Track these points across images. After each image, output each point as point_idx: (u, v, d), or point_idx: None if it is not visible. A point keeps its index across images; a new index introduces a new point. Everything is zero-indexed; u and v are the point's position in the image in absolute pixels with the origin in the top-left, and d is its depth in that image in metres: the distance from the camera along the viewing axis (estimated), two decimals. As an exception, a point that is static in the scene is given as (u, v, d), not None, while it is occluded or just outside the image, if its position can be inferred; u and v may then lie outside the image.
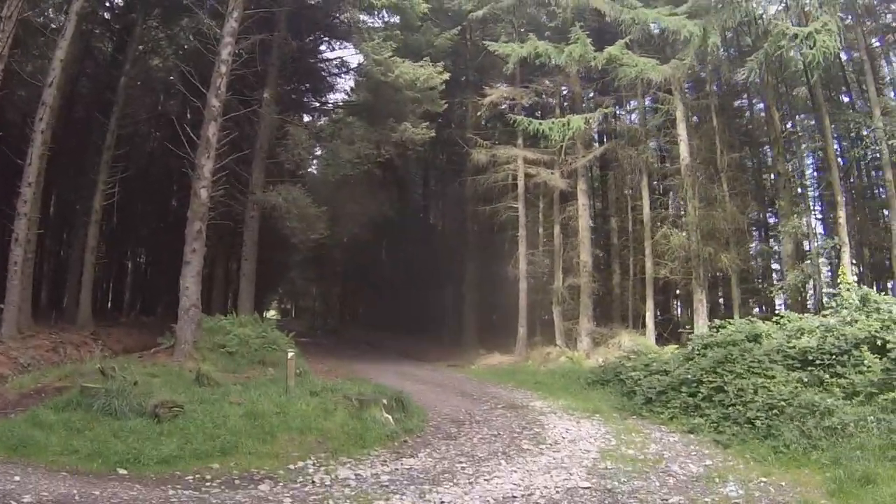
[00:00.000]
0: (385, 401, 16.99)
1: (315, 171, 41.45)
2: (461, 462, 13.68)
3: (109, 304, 51.23)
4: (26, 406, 16.63)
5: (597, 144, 42.58)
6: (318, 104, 45.75)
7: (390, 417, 16.35)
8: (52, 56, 29.40)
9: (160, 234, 49.93)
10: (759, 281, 44.16)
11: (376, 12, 37.20)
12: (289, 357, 17.72)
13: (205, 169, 25.88)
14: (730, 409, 16.79)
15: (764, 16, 32.20)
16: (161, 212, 50.88)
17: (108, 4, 42.27)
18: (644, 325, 35.88)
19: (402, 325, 58.15)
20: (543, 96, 41.11)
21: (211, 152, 26.17)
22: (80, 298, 36.37)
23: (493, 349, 39.89)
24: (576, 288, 37.08)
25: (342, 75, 43.97)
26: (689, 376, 18.94)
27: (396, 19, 37.82)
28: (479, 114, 41.54)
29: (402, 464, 13.43)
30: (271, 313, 46.58)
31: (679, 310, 45.03)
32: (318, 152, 38.99)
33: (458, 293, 47.34)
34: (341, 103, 42.98)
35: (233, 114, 29.30)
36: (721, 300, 42.10)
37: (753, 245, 42.98)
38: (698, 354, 20.25)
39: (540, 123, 34.35)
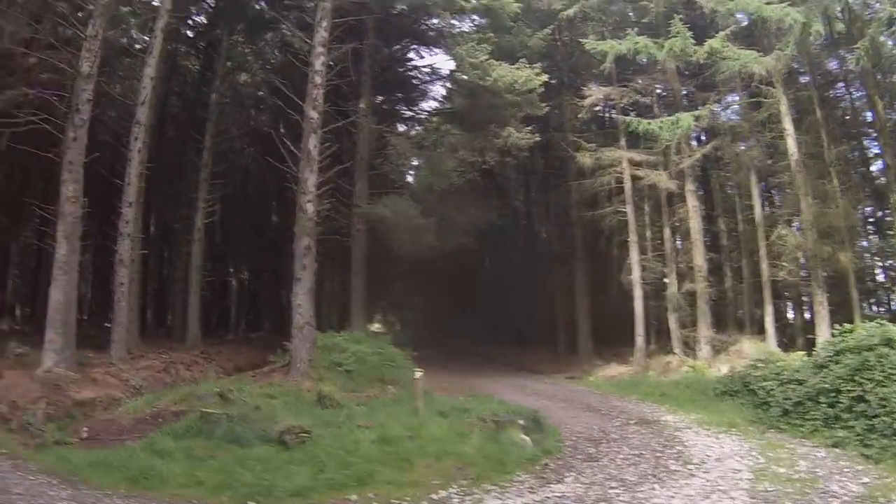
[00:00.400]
0: (522, 421, 16.15)
1: (411, 182, 40.81)
2: (613, 487, 12.80)
3: (215, 322, 51.24)
4: (143, 432, 16.29)
5: (694, 143, 41.28)
6: (410, 113, 45.18)
7: (528, 439, 15.53)
8: (142, 74, 29.61)
9: (261, 250, 50.02)
10: (870, 280, 42.46)
11: (466, 15, 36.52)
12: (416, 377, 17.00)
13: (309, 183, 25.60)
14: (874, 420, 15.85)
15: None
16: (261, 227, 50.92)
17: (190, 23, 42.98)
18: (763, 331, 34.35)
19: (510, 335, 57.27)
20: (641, 95, 39.81)
21: (314, 165, 25.87)
22: (187, 317, 36.63)
23: (608, 359, 38.83)
24: (691, 293, 35.95)
25: (434, 83, 43.52)
26: (826, 385, 17.91)
27: (486, 22, 36.79)
28: (579, 116, 40.26)
29: (551, 491, 12.55)
30: (375, 326, 46.33)
31: (791, 313, 43.41)
32: (415, 162, 38.56)
33: (569, 302, 46.17)
34: (434, 111, 42.37)
35: (331, 125, 28.80)
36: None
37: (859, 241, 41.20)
38: (831, 361, 19.09)
39: (649, 123, 33.26)
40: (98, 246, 37.00)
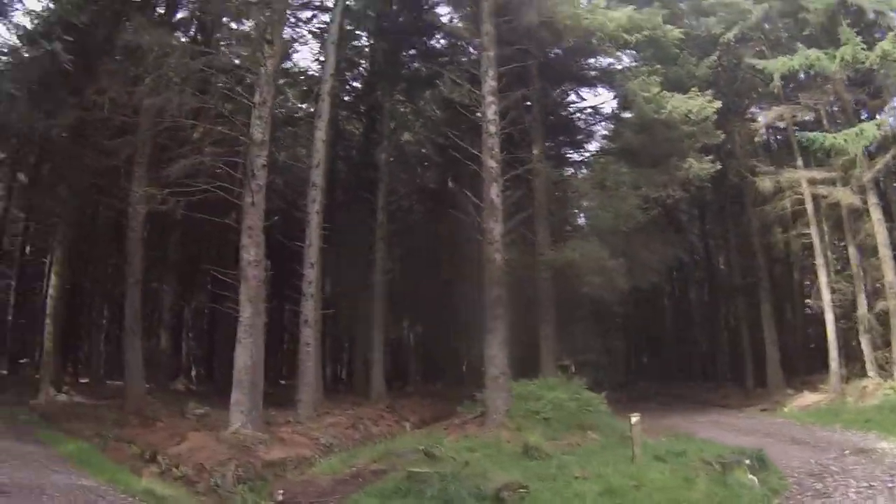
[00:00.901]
0: (748, 461, 15.18)
1: (590, 224, 40.00)
2: (862, 526, 11.81)
3: (391, 376, 51.59)
4: (344, 493, 15.92)
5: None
6: (577, 156, 44.75)
7: (755, 479, 14.61)
8: (313, 139, 30.83)
9: (435, 303, 49.89)
10: None
11: (628, 50, 35.95)
12: (633, 422, 15.96)
13: (494, 232, 25.36)
14: None
15: None
16: (434, 282, 50.75)
17: (348, 87, 44.07)
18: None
19: (694, 373, 56.02)
20: (811, 111, 38.40)
21: (498, 215, 25.67)
22: (371, 373, 36.95)
23: (798, 388, 37.11)
24: (883, 312, 34.16)
25: (597, 123, 43.04)
26: None
27: (651, 53, 36.06)
28: (755, 139, 39.28)
29: (798, 534, 11.60)
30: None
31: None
32: (592, 203, 37.86)
33: (755, 332, 44.33)
34: (604, 150, 41.31)
35: (508, 174, 28.59)
36: None
37: None
38: None
39: (834, 137, 32.06)
40: (271, 307, 37.73)
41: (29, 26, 30.59)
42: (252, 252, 23.02)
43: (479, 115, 28.65)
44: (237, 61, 27.59)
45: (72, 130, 29.88)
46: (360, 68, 44.41)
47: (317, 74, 39.41)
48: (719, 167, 34.67)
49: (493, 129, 26.25)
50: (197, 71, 24.52)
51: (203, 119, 26.40)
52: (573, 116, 42.24)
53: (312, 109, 37.76)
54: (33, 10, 29.95)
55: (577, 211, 40.25)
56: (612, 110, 40.59)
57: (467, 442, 20.44)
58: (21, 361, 45.94)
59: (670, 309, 66.06)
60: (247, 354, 22.46)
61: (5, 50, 34.64)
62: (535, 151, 34.41)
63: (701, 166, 32.80)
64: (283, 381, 41.57)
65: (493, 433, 22.04)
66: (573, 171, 43.28)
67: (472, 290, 32.85)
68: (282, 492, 17.00)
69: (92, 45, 27.47)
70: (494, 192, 25.67)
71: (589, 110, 42.25)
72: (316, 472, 19.32)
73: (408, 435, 23.99)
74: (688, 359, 59.26)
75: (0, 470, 15.84)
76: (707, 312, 56.48)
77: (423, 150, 49.25)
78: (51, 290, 36.20)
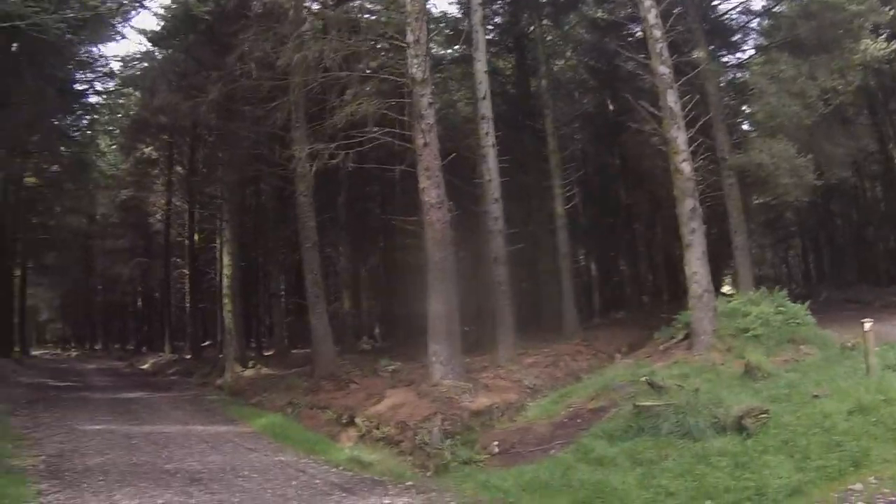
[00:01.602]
0: None
1: (768, 122, 38.26)
2: None
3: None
4: (567, 438, 15.22)
5: None
6: (734, 60, 42.46)
7: None
8: (474, 70, 30.33)
9: (611, 229, 48.92)
10: None
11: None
12: (866, 328, 14.48)
13: (678, 141, 23.92)
14: None
15: None
16: (607, 207, 49.73)
17: (489, 27, 42.96)
18: None
19: (878, 277, 52.00)
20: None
21: (679, 122, 24.20)
22: (562, 308, 36.10)
23: None
24: None
25: (750, 21, 40.80)
26: None
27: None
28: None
29: None
30: (726, 288, 43.84)
31: None
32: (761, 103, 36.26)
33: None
34: (762, 47, 39.43)
35: (681, 80, 26.84)
36: None
37: None
38: None
39: None
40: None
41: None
42: (433, 194, 22.48)
43: (631, 28, 27.81)
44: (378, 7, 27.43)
45: (220, 108, 30.53)
46: (499, 2, 43.28)
47: (458, 16, 40.43)
48: (895, 47, 32.35)
49: (657, 33, 24.76)
50: (341, 19, 24.24)
51: (356, 69, 25.98)
52: (724, 18, 40.19)
53: (460, 51, 38.75)
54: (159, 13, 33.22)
55: (740, 119, 38.36)
56: (762, 7, 38.94)
57: (678, 368, 19.26)
58: (204, 345, 47.44)
59: (842, 210, 62.84)
60: (441, 301, 22.04)
61: (139, 56, 36.14)
62: (699, 54, 32.72)
63: (878, 46, 30.63)
64: (465, 328, 41.19)
65: (703, 356, 20.92)
66: (732, 75, 41.57)
67: (653, 210, 31.69)
68: (497, 443, 16.52)
69: (223, 20, 28.69)
70: (672, 98, 24.28)
71: (739, 8, 40.30)
72: (530, 418, 18.78)
73: (615, 367, 22.80)
74: (870, 262, 56.18)
75: (191, 455, 15.88)
76: (887, 209, 53.50)
77: (577, 77, 48.61)
78: (225, 270, 37.16)
